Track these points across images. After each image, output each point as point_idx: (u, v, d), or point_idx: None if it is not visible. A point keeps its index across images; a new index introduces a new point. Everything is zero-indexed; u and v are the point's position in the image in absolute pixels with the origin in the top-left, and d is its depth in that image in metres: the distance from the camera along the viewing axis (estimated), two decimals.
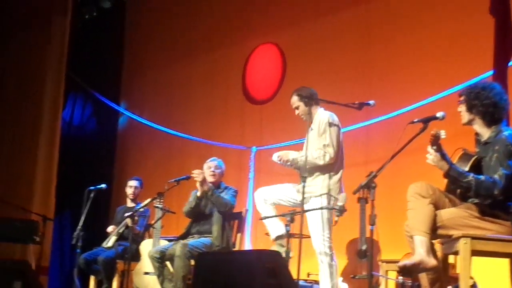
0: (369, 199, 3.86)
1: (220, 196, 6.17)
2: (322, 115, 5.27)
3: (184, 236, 6.24)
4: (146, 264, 6.36)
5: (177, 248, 5.80)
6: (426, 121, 3.94)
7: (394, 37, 7.32)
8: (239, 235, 6.25)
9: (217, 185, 6.36)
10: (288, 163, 5.25)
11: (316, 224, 5.09)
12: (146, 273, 6.39)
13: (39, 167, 9.45)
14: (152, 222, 6.54)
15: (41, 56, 9.88)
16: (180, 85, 9.65)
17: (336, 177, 5.19)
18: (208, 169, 6.39)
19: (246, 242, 7.42)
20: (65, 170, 9.65)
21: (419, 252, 3.71)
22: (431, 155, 3.81)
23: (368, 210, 3.85)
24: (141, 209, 6.55)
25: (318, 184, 5.17)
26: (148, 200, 6.41)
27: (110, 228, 7.18)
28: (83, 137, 10.70)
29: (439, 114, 3.93)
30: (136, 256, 6.55)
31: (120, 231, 6.91)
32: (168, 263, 6.01)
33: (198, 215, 6.33)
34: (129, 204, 7.52)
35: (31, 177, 9.42)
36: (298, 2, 8.35)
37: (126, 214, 6.75)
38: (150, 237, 6.79)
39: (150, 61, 10.22)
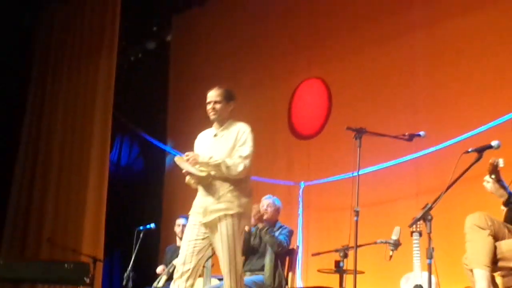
0: (425, 232, 3.76)
1: (274, 236, 6.08)
2: (240, 126, 5.07)
3: None
4: None
5: None
6: (481, 150, 3.87)
7: (439, 68, 7.24)
8: (290, 272, 6.17)
9: (272, 223, 6.28)
10: (196, 166, 4.82)
11: (226, 251, 4.71)
12: None
13: (88, 208, 9.54)
14: None
15: (88, 98, 10.07)
16: None
17: (249, 198, 4.88)
18: (262, 207, 6.31)
19: (298, 279, 7.26)
20: (113, 211, 9.68)
21: (480, 286, 3.60)
22: (489, 183, 3.72)
23: (425, 244, 3.75)
24: None
25: (234, 200, 4.77)
26: None
27: (159, 269, 7.16)
28: (131, 177, 10.79)
29: (494, 143, 3.86)
30: None
31: (171, 270, 6.86)
32: None
33: (250, 252, 6.26)
34: (179, 243, 7.41)
35: (81, 219, 9.51)
36: (342, 36, 8.33)
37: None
38: (200, 276, 6.74)
39: (195, 99, 10.01)
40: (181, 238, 7.29)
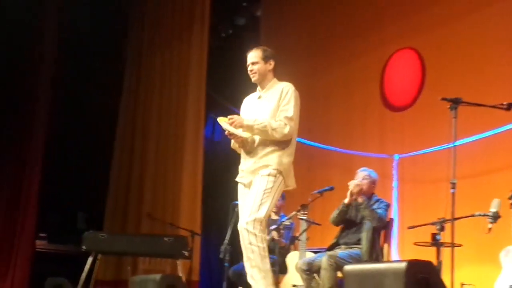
0: None
1: (373, 210, 6.02)
2: (283, 85, 4.95)
3: (332, 247, 6.18)
4: (293, 276, 6.38)
5: (324, 259, 5.75)
6: None
7: None
8: (385, 245, 6.14)
9: (369, 196, 6.22)
10: (240, 130, 4.76)
11: (252, 201, 4.63)
12: (294, 286, 6.42)
13: (184, 184, 9.76)
14: (297, 234, 6.55)
15: (182, 76, 10.26)
16: (318, 96, 9.59)
17: (290, 158, 4.79)
18: (357, 179, 6.24)
19: (393, 252, 7.23)
20: (209, 185, 9.84)
21: None
22: None
23: None
24: (286, 222, 6.58)
25: (271, 159, 4.73)
26: (293, 212, 6.44)
27: None
28: (224, 153, 10.81)
29: None
30: (283, 269, 6.59)
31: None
32: (316, 275, 5.97)
33: (347, 224, 6.24)
34: (273, 217, 7.45)
35: (178, 194, 9.76)
36: (436, 3, 8.12)
37: (271, 227, 6.80)
38: (295, 249, 6.82)
39: (286, 73, 10.23)
40: (275, 213, 7.44)
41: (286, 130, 4.69)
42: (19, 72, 10.06)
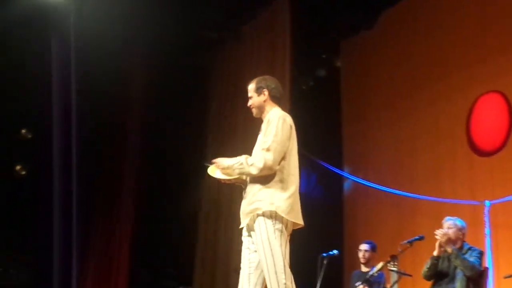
0: None
1: (466, 259, 5.90)
2: (270, 115, 4.56)
3: None
4: None
5: None
6: None
7: None
8: None
9: (459, 245, 6.13)
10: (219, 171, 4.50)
11: (263, 256, 4.28)
12: None
13: None
14: (388, 286, 6.47)
15: None
16: (403, 143, 9.57)
17: (285, 193, 4.37)
18: (444, 229, 6.16)
19: None
20: (297, 239, 9.74)
21: None
22: None
23: None
24: (375, 274, 6.52)
25: (265, 198, 4.35)
26: (381, 263, 6.40)
27: None
28: (311, 205, 10.69)
29: None
30: None
31: None
32: None
33: (440, 276, 6.12)
34: (363, 268, 7.49)
35: None
36: None
37: (357, 284, 6.81)
38: None
39: (369, 123, 10.26)
40: (364, 264, 7.42)
41: (261, 163, 4.33)
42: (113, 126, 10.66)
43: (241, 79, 10.81)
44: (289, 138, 4.50)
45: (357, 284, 6.79)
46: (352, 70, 10.79)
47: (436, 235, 5.98)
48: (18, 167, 9.72)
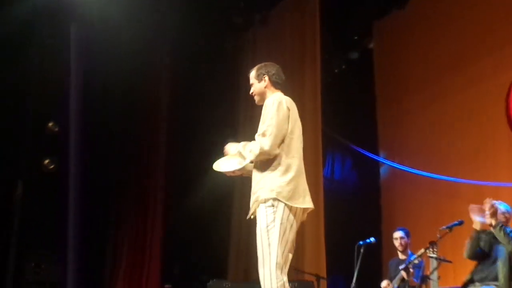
0: None
1: (509, 234, 5.79)
2: (268, 100, 4.57)
3: (466, 285, 6.05)
4: None
5: None
6: None
7: None
8: None
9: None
10: (233, 165, 4.54)
11: (259, 244, 4.30)
12: None
13: (307, 226, 9.63)
14: (428, 273, 6.42)
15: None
16: (439, 126, 9.50)
17: (285, 176, 4.35)
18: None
19: None
20: (332, 227, 9.75)
21: None
22: None
23: None
24: (415, 261, 6.48)
25: (265, 185, 4.36)
26: (421, 250, 6.35)
27: (384, 283, 7.25)
28: (346, 191, 10.93)
29: None
30: None
31: (396, 285, 6.94)
32: None
33: (481, 258, 6.08)
34: (401, 256, 7.51)
35: (301, 237, 9.55)
36: None
37: (400, 267, 6.78)
38: None
39: (404, 105, 10.19)
40: (401, 251, 7.44)
41: (257, 149, 4.34)
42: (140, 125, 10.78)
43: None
44: (287, 120, 4.47)
45: (400, 267, 6.78)
46: (385, 52, 10.71)
47: (485, 203, 5.86)
48: (46, 161, 9.79)
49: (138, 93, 11.05)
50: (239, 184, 10.71)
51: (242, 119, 10.91)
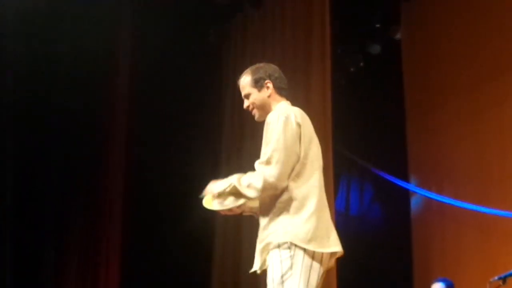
0: None
1: None
2: (270, 116, 4.31)
3: None
4: None
5: None
6: None
7: None
8: None
9: None
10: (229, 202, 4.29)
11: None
12: None
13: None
14: None
15: None
16: (489, 142, 9.20)
17: (302, 216, 4.13)
18: None
19: None
20: (347, 277, 9.36)
21: None
22: None
23: None
24: None
25: (277, 229, 4.15)
26: None
27: None
28: (366, 229, 10.94)
29: None
30: None
31: None
32: None
33: None
34: None
35: None
36: None
37: None
38: None
39: (443, 116, 9.85)
40: None
41: (259, 182, 4.12)
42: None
43: (263, 59, 10.42)
44: (298, 141, 4.23)
45: None
46: (417, 44, 10.35)
47: None
48: None
49: (97, 101, 11.17)
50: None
51: (228, 126, 10.95)
